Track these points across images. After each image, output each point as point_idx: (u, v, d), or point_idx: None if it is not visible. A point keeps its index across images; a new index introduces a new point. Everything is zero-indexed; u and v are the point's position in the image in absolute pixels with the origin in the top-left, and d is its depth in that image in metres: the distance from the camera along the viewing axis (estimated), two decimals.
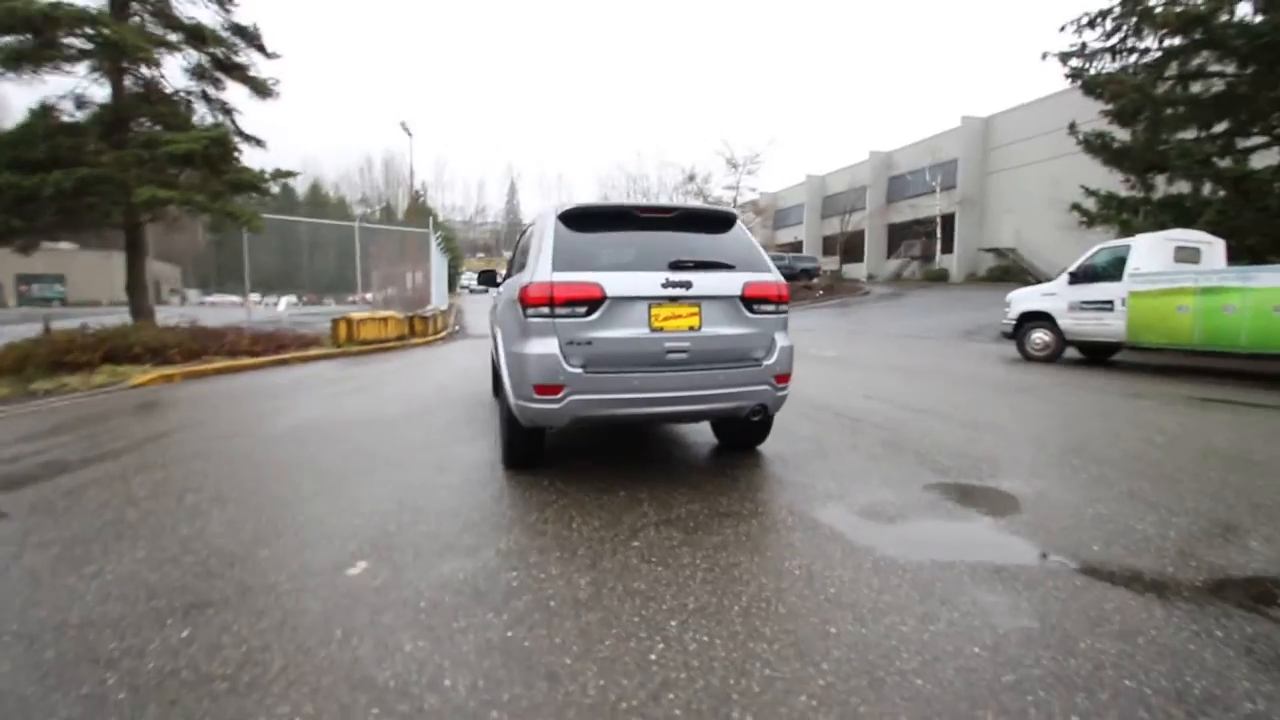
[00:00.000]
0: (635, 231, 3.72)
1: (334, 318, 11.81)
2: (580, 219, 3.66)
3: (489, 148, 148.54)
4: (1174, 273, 8.59)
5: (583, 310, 3.36)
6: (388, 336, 12.42)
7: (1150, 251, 8.95)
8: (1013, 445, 4.66)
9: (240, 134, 11.58)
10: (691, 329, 3.50)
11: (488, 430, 5.13)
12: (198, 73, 11.46)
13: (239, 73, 11.23)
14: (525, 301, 3.42)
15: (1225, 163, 12.45)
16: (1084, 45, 15.32)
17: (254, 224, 10.37)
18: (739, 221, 3.98)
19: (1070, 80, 15.56)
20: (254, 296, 15.58)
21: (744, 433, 4.39)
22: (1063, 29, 15.13)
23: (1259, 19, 11.73)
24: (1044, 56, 15.83)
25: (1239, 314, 7.64)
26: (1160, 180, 13.98)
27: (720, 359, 3.58)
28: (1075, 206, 15.12)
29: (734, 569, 2.62)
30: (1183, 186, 13.57)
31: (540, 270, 3.44)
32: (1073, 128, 14.90)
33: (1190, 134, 13.42)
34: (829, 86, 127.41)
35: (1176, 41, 12.93)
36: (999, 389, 7.44)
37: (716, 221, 3.89)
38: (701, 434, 4.93)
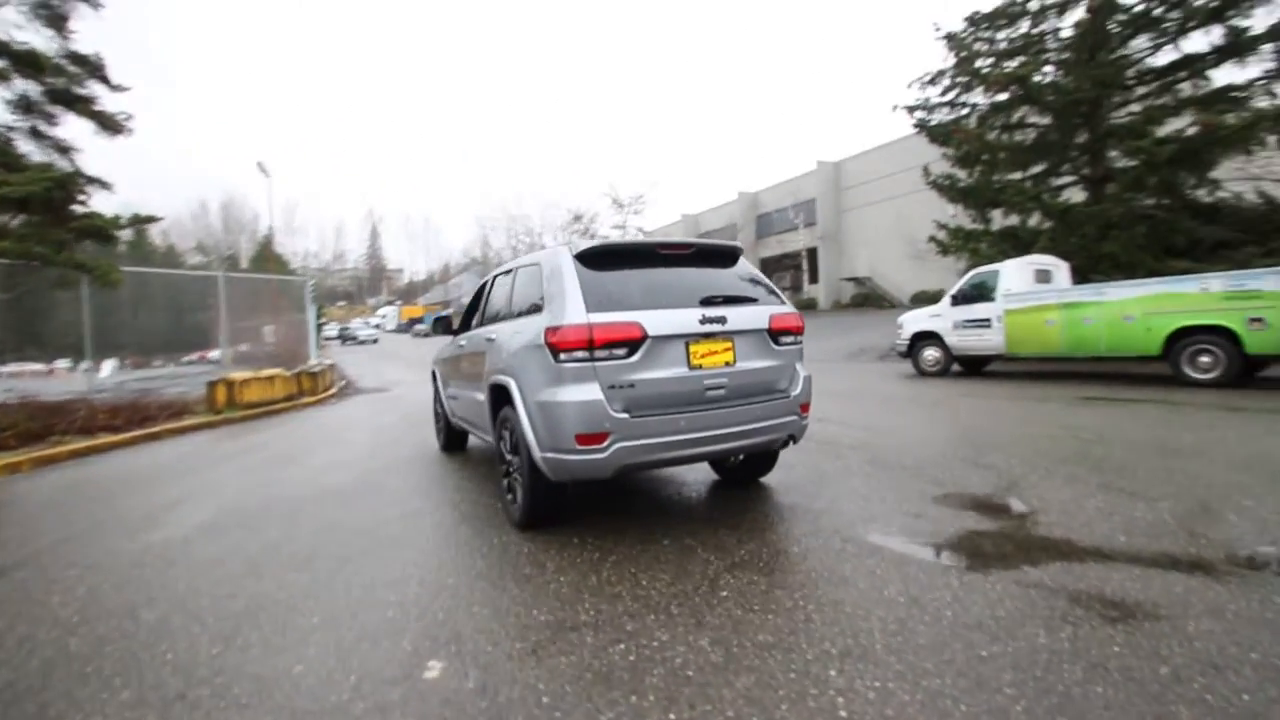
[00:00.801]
0: (655, 269, 3.63)
1: (209, 379, 10.33)
2: (598, 258, 3.50)
3: (347, 191, 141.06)
4: (1041, 291, 9.97)
5: (623, 352, 3.19)
6: (275, 397, 11.08)
7: (1017, 274, 10.32)
8: (980, 454, 5.04)
9: (82, 175, 9.99)
10: (727, 365, 3.44)
11: (468, 492, 4.68)
12: (23, 106, 9.80)
13: (83, 106, 9.73)
14: (559, 346, 3.18)
15: (1051, 199, 14.71)
16: (927, 99, 17.65)
17: (110, 277, 8.89)
18: (741, 255, 4.02)
19: (917, 129, 17.75)
20: (62, 363, 13.46)
21: (752, 466, 4.37)
22: (910, 85, 17.34)
23: (1065, 79, 14.16)
24: (894, 108, 18.00)
25: (1096, 324, 8.98)
26: (997, 214, 16.28)
27: (753, 393, 3.55)
28: (932, 238, 17.06)
29: (841, 605, 2.54)
30: (1016, 218, 15.88)
31: (571, 312, 3.23)
32: (926, 170, 16.92)
33: (1016, 175, 15.80)
34: (700, 132, 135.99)
35: (1003, 97, 15.27)
36: (921, 404, 8.09)
37: (725, 256, 3.90)
38: (690, 471, 4.83)
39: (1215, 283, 7.84)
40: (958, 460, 4.82)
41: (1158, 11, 13.99)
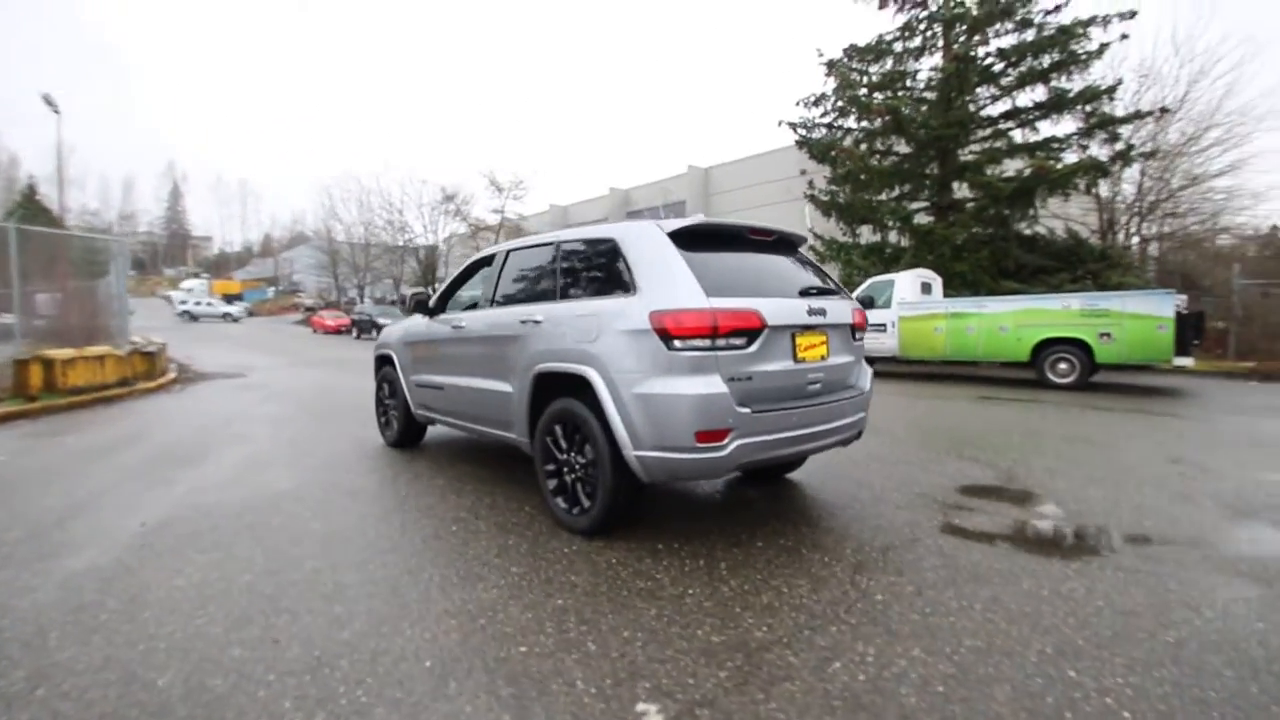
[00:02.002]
0: (745, 254, 3.40)
1: (17, 357, 8.04)
2: (689, 238, 3.18)
3: (141, 142, 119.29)
4: (931, 302, 11.17)
5: (741, 341, 2.93)
6: (108, 381, 8.94)
7: (909, 285, 11.47)
8: (954, 448, 5.45)
9: None
10: (822, 359, 3.32)
11: (473, 495, 4.07)
12: None
13: None
14: (673, 332, 2.84)
15: (918, 219, 16.54)
16: (809, 119, 18.98)
17: None
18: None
19: (799, 145, 19.04)
20: None
21: (788, 463, 4.30)
22: (797, 104, 18.54)
23: (928, 116, 15.96)
24: (780, 124, 19.17)
25: (977, 333, 10.25)
26: (865, 229, 18.01)
27: (837, 388, 3.47)
28: (811, 247, 18.42)
29: (998, 601, 2.54)
30: (879, 235, 17.68)
31: (685, 295, 2.90)
32: (811, 184, 18.20)
33: (882, 196, 17.57)
34: (573, 124, 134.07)
35: (876, 124, 16.86)
36: None
37: (795, 245, 3.77)
38: None
39: (1075, 301, 9.32)
40: (939, 457, 5.17)
41: (997, 67, 16.31)
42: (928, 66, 17.80)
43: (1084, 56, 15.29)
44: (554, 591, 2.65)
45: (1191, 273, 19.14)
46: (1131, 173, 17.35)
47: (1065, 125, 16.22)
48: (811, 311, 3.23)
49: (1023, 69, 15.90)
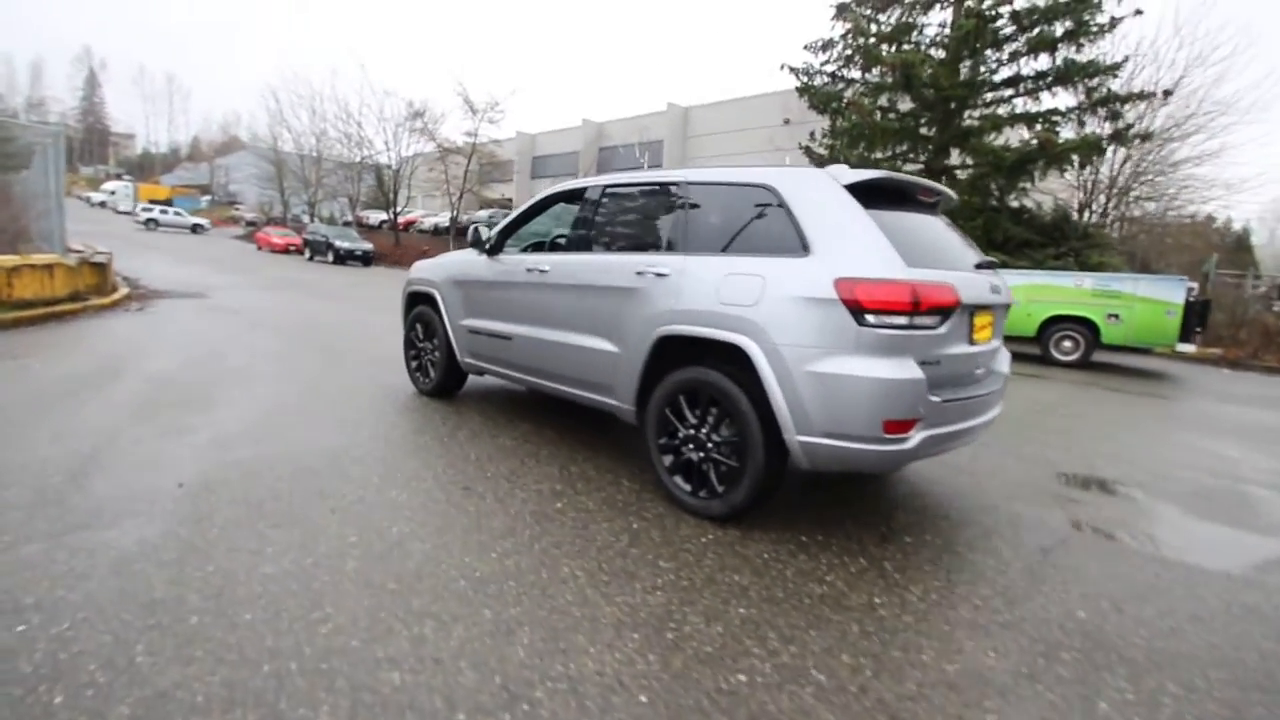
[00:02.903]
0: (914, 215, 3.00)
1: None
2: (866, 193, 2.75)
3: (53, 21, 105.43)
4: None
5: (934, 321, 2.57)
6: (58, 295, 7.84)
7: None
8: (1011, 430, 5.36)
9: None
10: (988, 341, 3.01)
11: (560, 463, 3.65)
12: None
13: None
14: (866, 305, 2.45)
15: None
16: (810, 66, 18.22)
17: None
18: None
19: (800, 93, 18.34)
20: None
21: None
22: (805, 48, 17.71)
23: (938, 75, 15.52)
24: (782, 67, 18.36)
25: None
26: None
27: (993, 375, 3.19)
28: None
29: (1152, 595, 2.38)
30: None
31: (879, 262, 2.50)
32: (813, 135, 17.63)
33: (878, 155, 17.22)
34: (545, 49, 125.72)
35: (886, 78, 16.31)
36: None
37: (945, 208, 3.38)
38: None
39: (1088, 281, 9.38)
40: (1003, 434, 5.06)
41: (1008, 30, 15.91)
42: (936, 21, 17.26)
43: (1095, 29, 15.07)
44: (727, 596, 2.32)
45: (1145, 256, 19.96)
46: (1109, 153, 17.59)
47: (1063, 99, 16.14)
48: (992, 289, 2.90)
49: (1033, 35, 15.56)
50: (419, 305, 4.97)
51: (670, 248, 3.15)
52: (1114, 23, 14.98)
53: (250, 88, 74.71)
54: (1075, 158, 15.06)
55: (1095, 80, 15.33)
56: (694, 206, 3.13)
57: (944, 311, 2.58)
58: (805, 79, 18.33)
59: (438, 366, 4.78)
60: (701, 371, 2.90)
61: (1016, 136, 16.09)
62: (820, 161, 17.70)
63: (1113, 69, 15.30)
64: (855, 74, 17.88)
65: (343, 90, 55.10)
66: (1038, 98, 16.30)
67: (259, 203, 42.60)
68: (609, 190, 3.64)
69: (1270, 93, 33.44)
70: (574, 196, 3.87)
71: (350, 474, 3.23)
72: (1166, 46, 23.15)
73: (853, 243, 2.58)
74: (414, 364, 5.10)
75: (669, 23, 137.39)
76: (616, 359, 3.29)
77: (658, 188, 3.37)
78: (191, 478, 3.06)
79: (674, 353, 3.05)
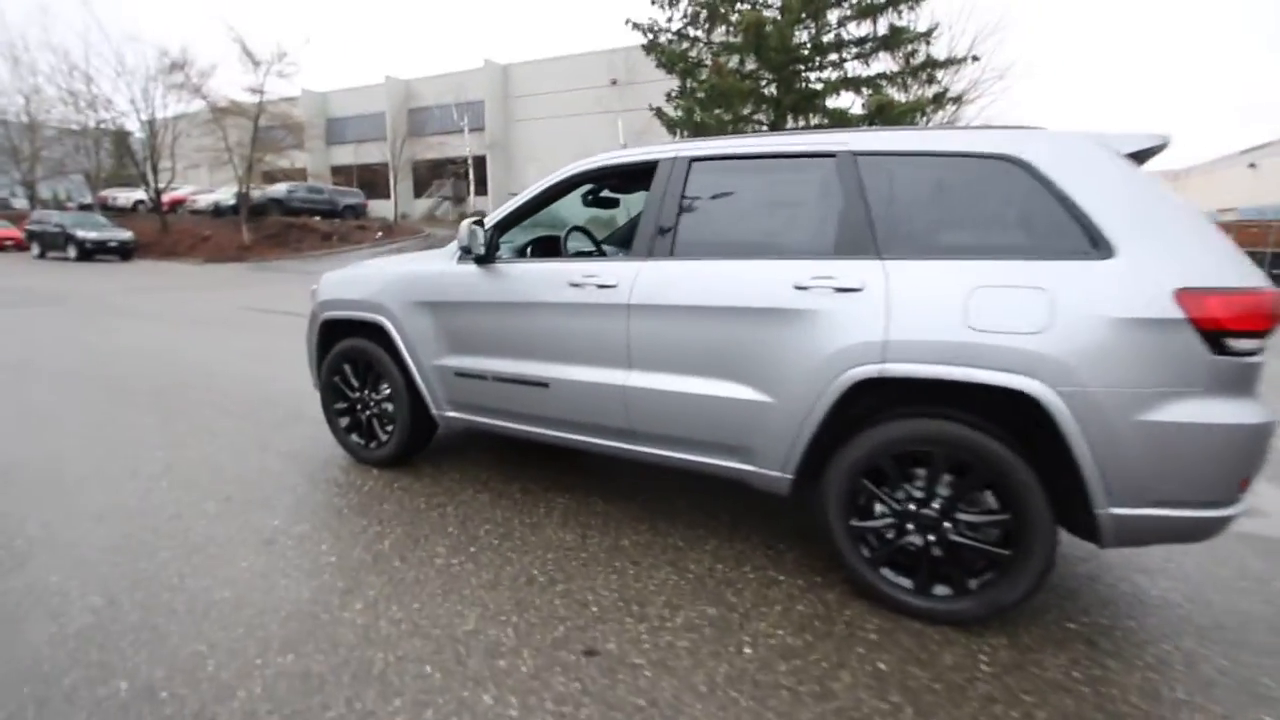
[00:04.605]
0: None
1: None
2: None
3: None
4: None
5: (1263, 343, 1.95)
6: None
7: None
8: None
9: None
10: None
11: (644, 549, 2.56)
12: None
13: None
14: (1227, 325, 1.75)
15: None
16: (655, 23, 17.47)
17: None
18: None
19: (647, 51, 17.56)
20: None
21: None
22: (652, 2, 16.81)
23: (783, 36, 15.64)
24: (626, 22, 17.33)
25: None
26: None
27: None
28: None
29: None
30: None
31: (1223, 262, 1.82)
32: (669, 95, 16.96)
33: (729, 116, 17.15)
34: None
35: (736, 39, 16.09)
36: None
37: None
38: None
39: None
40: None
41: None
42: None
43: None
44: None
45: None
46: (930, 116, 19.46)
47: (885, 64, 17.22)
48: None
49: (862, 1, 16.28)
50: (347, 339, 3.41)
51: (851, 249, 2.19)
52: None
53: None
54: (910, 120, 16.20)
55: (912, 46, 16.54)
56: (878, 188, 2.19)
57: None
58: (651, 35, 17.54)
59: (395, 422, 3.32)
60: (936, 428, 2.04)
61: (860, 102, 16.90)
62: (672, 125, 17.18)
63: (925, 35, 16.60)
64: (699, 33, 17.47)
65: (60, 35, 42.42)
66: (868, 63, 17.23)
67: None
68: (695, 163, 2.54)
69: (1040, 56, 41.47)
70: (625, 175, 2.71)
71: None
72: (959, 16, 26.26)
73: (1178, 236, 1.86)
74: (345, 421, 3.53)
75: None
76: (762, 411, 2.29)
77: (799, 159, 2.36)
78: None
79: (871, 400, 2.15)
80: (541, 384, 2.78)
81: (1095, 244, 1.90)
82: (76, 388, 5.03)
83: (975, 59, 17.07)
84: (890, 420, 2.13)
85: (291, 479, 3.29)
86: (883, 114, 15.36)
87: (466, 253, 2.92)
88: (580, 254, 3.38)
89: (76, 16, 40.18)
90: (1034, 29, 39.90)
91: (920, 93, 16.66)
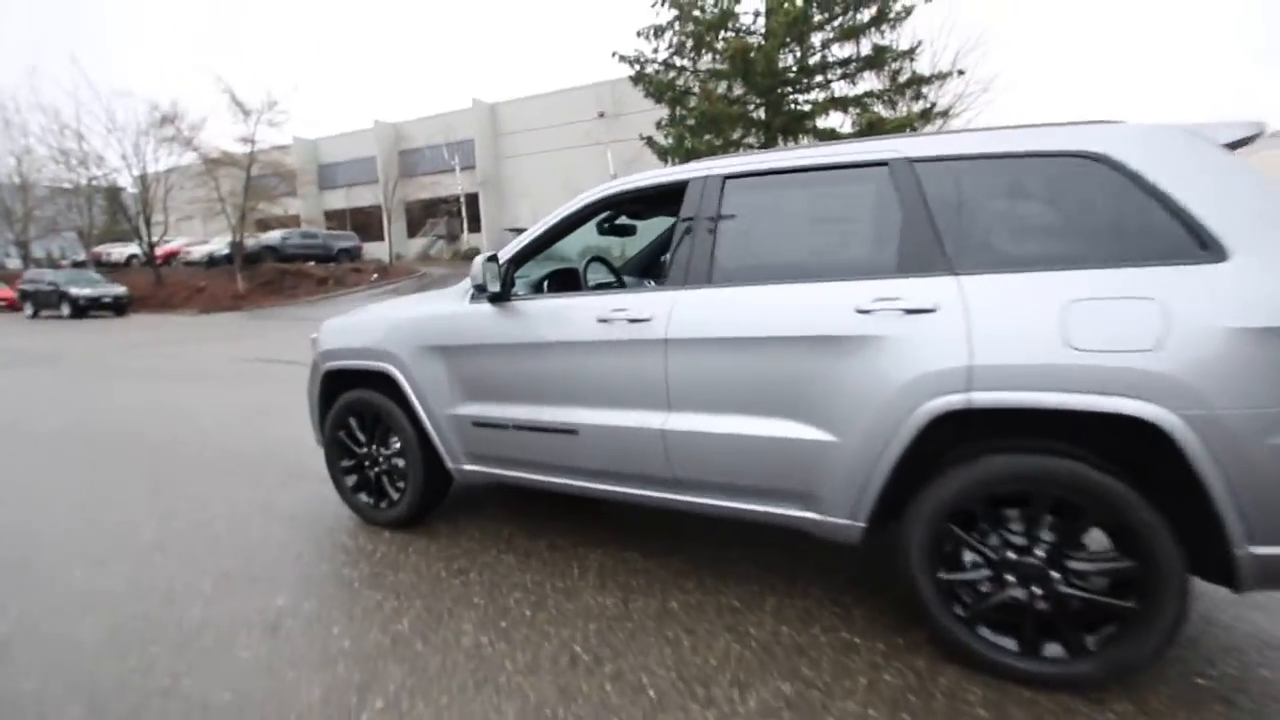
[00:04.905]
0: None
1: None
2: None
3: None
4: None
5: None
6: None
7: None
8: None
9: None
10: None
11: (694, 615, 2.28)
12: None
13: None
14: None
15: None
16: (641, 54, 17.66)
17: None
18: None
19: (635, 82, 17.73)
20: None
21: None
22: (638, 34, 17.00)
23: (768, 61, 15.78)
24: (614, 55, 17.50)
25: None
26: None
27: None
28: None
29: None
30: None
31: None
32: (659, 124, 17.02)
33: (720, 142, 17.20)
34: (318, 36, 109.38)
35: (723, 65, 16.22)
36: None
37: None
38: None
39: None
40: None
41: (818, 18, 16.69)
42: (750, 9, 17.56)
43: (894, 16, 16.31)
44: None
45: None
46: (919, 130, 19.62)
47: (872, 83, 17.35)
48: None
49: (841, 23, 16.44)
50: (352, 391, 3.16)
51: (917, 266, 1.96)
52: (909, 9, 16.34)
53: None
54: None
55: (897, 64, 16.68)
56: (942, 197, 1.97)
57: None
58: (638, 67, 17.70)
59: (407, 479, 3.05)
60: (1037, 463, 1.79)
61: (849, 120, 16.96)
62: (664, 152, 17.20)
63: (908, 53, 16.75)
64: (685, 62, 17.63)
65: (50, 94, 42.86)
66: (854, 82, 17.37)
67: None
68: (733, 181, 2.32)
69: (1023, 68, 43.41)
70: (649, 199, 2.49)
71: None
72: (940, 33, 26.69)
73: None
74: (353, 480, 3.26)
75: (462, 12, 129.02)
76: (826, 452, 2.04)
77: (845, 169, 2.14)
78: None
79: (951, 436, 1.90)
80: (570, 431, 2.52)
81: (1204, 246, 1.67)
82: (65, 450, 4.75)
83: (961, 73, 17.22)
84: (980, 456, 1.87)
85: (296, 546, 3.00)
86: (873, 131, 15.40)
87: (480, 291, 2.69)
88: (600, 286, 3.15)
89: (66, 75, 40.16)
90: (1017, 41, 40.87)
91: (908, 109, 16.74)
